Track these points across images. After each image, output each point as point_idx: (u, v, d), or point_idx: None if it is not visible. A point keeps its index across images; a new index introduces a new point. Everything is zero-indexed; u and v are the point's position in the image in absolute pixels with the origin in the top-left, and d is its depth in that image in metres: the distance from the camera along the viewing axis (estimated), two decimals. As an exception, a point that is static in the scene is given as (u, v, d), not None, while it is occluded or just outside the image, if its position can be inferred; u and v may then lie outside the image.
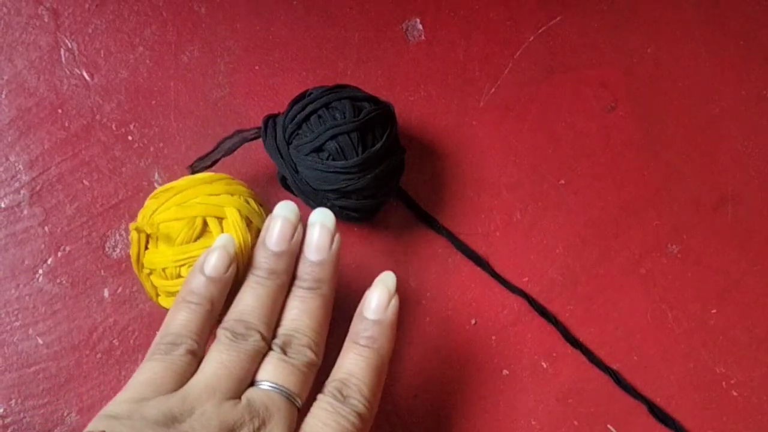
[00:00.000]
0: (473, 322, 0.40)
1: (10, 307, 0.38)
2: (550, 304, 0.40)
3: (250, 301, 0.32)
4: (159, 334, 0.32)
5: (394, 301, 0.33)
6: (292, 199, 0.38)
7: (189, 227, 0.34)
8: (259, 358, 0.31)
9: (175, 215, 0.34)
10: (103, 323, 0.38)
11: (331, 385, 0.31)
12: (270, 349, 0.32)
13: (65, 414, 0.37)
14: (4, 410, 0.37)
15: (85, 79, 0.41)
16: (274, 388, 0.30)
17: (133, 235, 0.35)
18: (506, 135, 0.42)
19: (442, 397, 0.39)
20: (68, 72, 0.41)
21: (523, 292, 0.39)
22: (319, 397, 0.31)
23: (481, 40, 0.43)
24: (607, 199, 0.41)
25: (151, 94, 0.41)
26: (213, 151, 0.38)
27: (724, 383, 0.39)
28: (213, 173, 0.36)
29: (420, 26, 0.43)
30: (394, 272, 0.40)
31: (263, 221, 0.34)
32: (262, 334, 0.31)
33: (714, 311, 0.40)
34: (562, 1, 0.44)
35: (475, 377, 0.39)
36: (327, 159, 0.35)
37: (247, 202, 0.35)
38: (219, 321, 0.33)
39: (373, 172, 0.36)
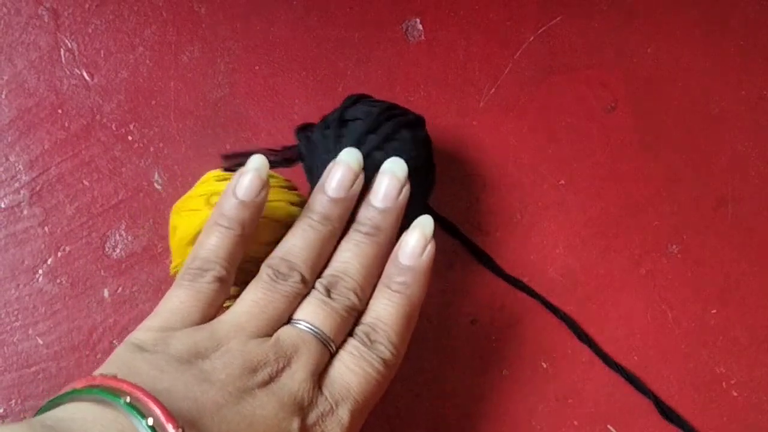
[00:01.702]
0: (473, 322, 0.40)
1: (10, 308, 0.38)
2: (550, 304, 0.40)
3: (298, 242, 0.32)
4: (189, 257, 0.31)
5: (430, 247, 0.33)
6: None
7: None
8: (296, 301, 0.31)
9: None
10: (103, 323, 0.38)
11: (360, 329, 0.31)
12: (313, 288, 0.31)
13: (65, 414, 0.37)
14: (4, 410, 0.37)
15: (85, 79, 0.41)
16: (309, 329, 0.30)
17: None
18: (506, 135, 0.42)
19: (442, 397, 0.39)
20: (68, 72, 0.41)
21: (530, 290, 0.39)
22: (348, 340, 0.31)
23: (481, 40, 0.43)
24: (607, 199, 0.41)
25: (151, 94, 0.41)
26: (245, 153, 0.37)
27: (724, 383, 0.39)
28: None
29: (420, 26, 0.43)
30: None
31: None
32: (303, 277, 0.31)
33: (714, 311, 0.40)
34: (562, 1, 0.44)
35: (475, 377, 0.39)
36: None
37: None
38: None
39: (420, 203, 0.36)
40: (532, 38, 0.43)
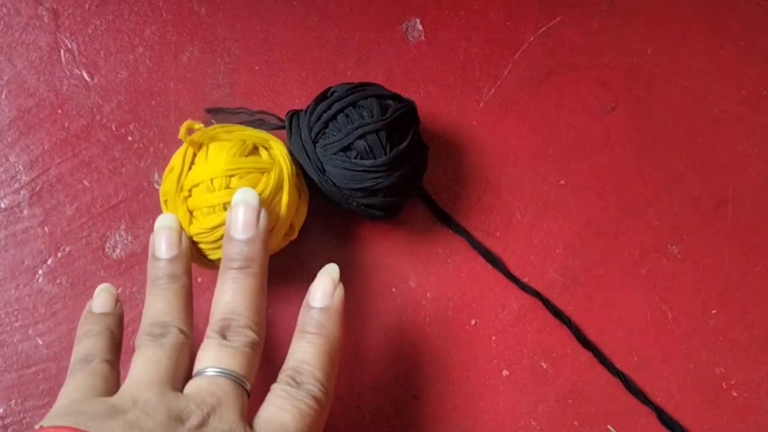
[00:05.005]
0: (473, 322, 0.40)
1: (10, 308, 0.38)
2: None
3: (158, 305, 0.32)
4: (71, 360, 0.32)
5: (339, 289, 0.33)
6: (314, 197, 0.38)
7: (240, 144, 0.35)
8: (185, 351, 0.31)
9: (225, 136, 0.35)
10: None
11: (283, 373, 0.31)
12: (207, 337, 0.31)
13: (65, 414, 0.37)
14: (4, 411, 0.37)
15: (85, 80, 0.41)
16: (218, 372, 0.29)
17: (179, 154, 0.35)
18: (506, 135, 0.42)
19: (442, 397, 0.39)
20: (68, 72, 0.41)
21: (536, 292, 0.39)
22: (273, 386, 0.31)
23: (481, 40, 0.43)
24: (607, 199, 0.41)
25: (151, 94, 0.41)
26: (233, 110, 0.39)
27: (724, 384, 0.39)
28: None
29: (420, 26, 0.43)
30: (394, 272, 0.40)
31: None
32: (180, 329, 0.31)
33: (714, 311, 0.40)
34: (562, 1, 0.44)
35: (475, 377, 0.39)
36: (355, 158, 0.35)
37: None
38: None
39: (400, 170, 0.36)
40: (532, 38, 0.43)
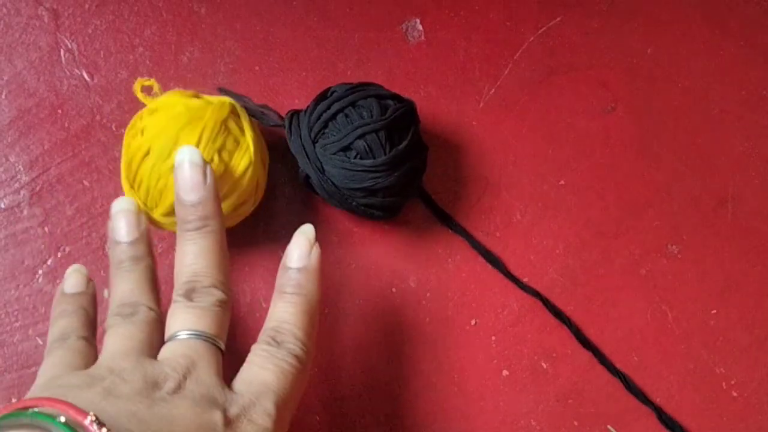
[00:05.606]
0: (473, 322, 0.40)
1: (10, 308, 0.38)
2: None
3: (124, 287, 0.32)
4: (48, 341, 0.32)
5: (316, 249, 0.33)
6: (311, 198, 0.38)
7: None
8: (157, 326, 0.31)
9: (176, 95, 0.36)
10: (103, 324, 0.38)
11: (264, 334, 0.31)
12: (174, 302, 0.31)
13: (65, 414, 0.37)
14: (4, 410, 0.37)
15: (85, 80, 0.41)
16: (190, 334, 0.30)
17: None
18: (506, 135, 0.42)
19: (442, 397, 0.39)
20: (68, 72, 0.41)
21: (536, 292, 0.39)
22: (253, 347, 0.31)
23: (481, 41, 0.43)
24: (607, 199, 0.41)
25: (151, 94, 0.41)
26: (240, 96, 0.39)
27: (724, 384, 0.39)
28: None
29: (420, 26, 0.43)
30: (394, 272, 0.40)
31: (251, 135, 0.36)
32: (149, 307, 0.31)
33: (714, 311, 0.40)
34: (562, 1, 0.44)
35: (475, 377, 0.39)
36: (355, 158, 0.35)
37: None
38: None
39: (400, 170, 0.36)
40: (532, 38, 0.43)
